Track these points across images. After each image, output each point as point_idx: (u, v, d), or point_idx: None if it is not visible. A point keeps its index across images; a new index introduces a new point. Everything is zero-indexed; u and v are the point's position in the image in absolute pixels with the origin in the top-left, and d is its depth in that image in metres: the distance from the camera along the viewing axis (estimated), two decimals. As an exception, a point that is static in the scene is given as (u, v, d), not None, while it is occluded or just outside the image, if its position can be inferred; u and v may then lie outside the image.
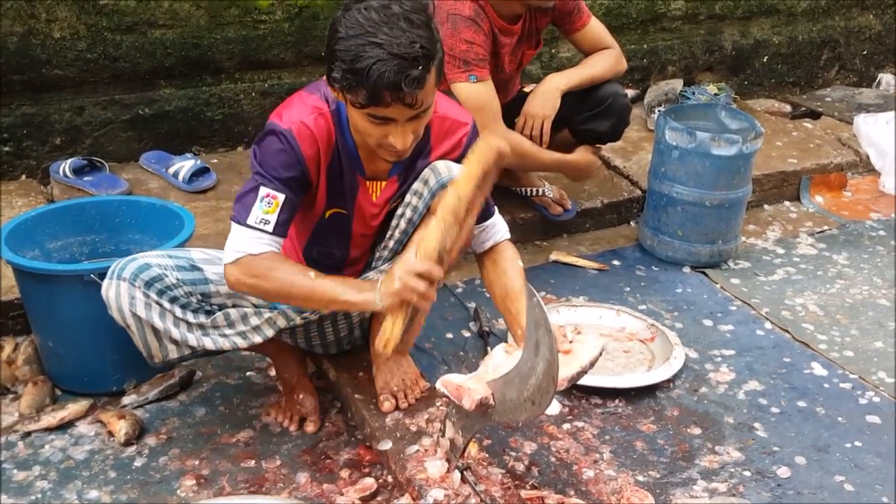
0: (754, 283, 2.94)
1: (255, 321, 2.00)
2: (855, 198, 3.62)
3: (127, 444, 2.11)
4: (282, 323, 2.00)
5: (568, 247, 3.14)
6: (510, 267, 2.00)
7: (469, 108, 2.52)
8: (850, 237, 3.29)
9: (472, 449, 1.98)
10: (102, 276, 1.95)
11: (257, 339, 2.01)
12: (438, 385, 1.84)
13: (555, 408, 2.21)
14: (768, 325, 2.69)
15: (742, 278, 2.97)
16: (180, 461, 2.08)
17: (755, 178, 3.20)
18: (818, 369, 2.48)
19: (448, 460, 1.93)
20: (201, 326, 1.97)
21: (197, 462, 2.08)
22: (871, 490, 2.03)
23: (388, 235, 2.04)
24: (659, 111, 3.48)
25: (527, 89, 2.89)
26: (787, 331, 2.66)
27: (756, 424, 2.24)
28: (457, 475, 1.90)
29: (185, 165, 3.08)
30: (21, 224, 2.32)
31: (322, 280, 1.81)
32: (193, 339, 1.96)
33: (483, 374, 1.82)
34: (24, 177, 3.15)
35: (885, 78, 4.65)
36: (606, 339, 2.53)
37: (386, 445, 2.03)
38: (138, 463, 2.07)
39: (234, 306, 2.00)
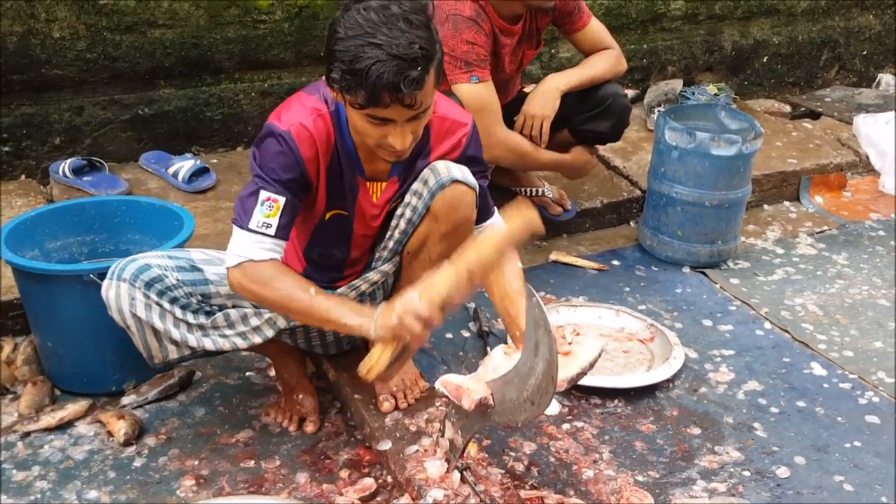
0: (754, 283, 2.94)
1: (255, 322, 2.00)
2: (854, 198, 3.62)
3: (126, 444, 2.11)
4: (282, 324, 2.00)
5: (567, 247, 3.14)
6: (509, 268, 2.00)
7: (471, 109, 2.52)
8: (850, 237, 3.29)
9: (472, 449, 1.98)
10: (102, 276, 1.95)
11: (257, 340, 2.01)
12: (438, 385, 1.84)
13: (554, 408, 2.21)
14: (768, 325, 2.69)
15: (742, 278, 2.97)
16: (180, 461, 2.08)
17: (755, 178, 3.20)
18: (818, 369, 2.48)
19: (447, 460, 1.93)
20: (201, 327, 1.97)
21: (196, 462, 2.08)
22: (870, 490, 2.03)
23: (387, 236, 2.04)
24: (659, 111, 3.48)
25: (527, 89, 2.89)
26: (786, 331, 2.67)
27: (755, 424, 2.24)
28: (456, 475, 1.90)
29: (184, 165, 3.08)
30: (20, 224, 2.32)
31: (321, 298, 1.81)
32: (193, 339, 1.96)
33: (482, 375, 1.82)
34: (23, 177, 3.15)
35: (885, 78, 4.65)
36: (606, 339, 2.54)
37: (385, 445, 2.03)
38: (138, 463, 2.07)
39: (234, 307, 2.00)
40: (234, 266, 1.82)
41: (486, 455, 2.01)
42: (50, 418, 2.17)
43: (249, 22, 3.27)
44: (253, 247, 1.80)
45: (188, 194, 3.04)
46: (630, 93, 3.84)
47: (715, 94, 3.95)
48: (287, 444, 2.14)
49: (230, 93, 3.35)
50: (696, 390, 2.37)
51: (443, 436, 1.95)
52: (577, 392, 2.28)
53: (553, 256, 3.04)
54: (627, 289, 2.88)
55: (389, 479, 2.02)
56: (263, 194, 1.80)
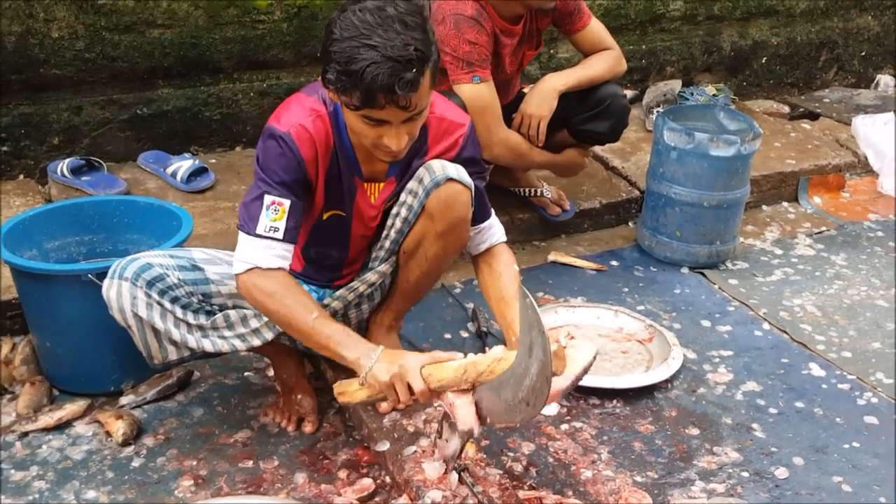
0: (752, 284, 2.94)
1: (254, 324, 2.00)
2: (853, 199, 3.62)
3: (125, 444, 2.11)
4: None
5: (566, 247, 3.14)
6: (505, 271, 2.00)
7: (472, 109, 2.54)
8: (849, 238, 3.29)
9: (470, 450, 1.98)
10: (100, 276, 1.95)
11: (256, 343, 2.01)
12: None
13: (553, 408, 2.21)
14: (766, 326, 2.69)
15: (740, 279, 2.97)
16: (178, 461, 2.08)
17: (753, 178, 3.20)
18: (816, 370, 2.48)
19: (446, 461, 1.93)
20: (201, 328, 1.96)
21: (195, 462, 2.07)
22: (868, 491, 2.03)
23: (383, 235, 2.04)
24: (657, 112, 3.49)
25: (526, 90, 2.89)
26: (785, 331, 2.67)
27: (754, 425, 2.24)
28: (454, 476, 1.90)
29: (183, 165, 3.08)
30: (19, 224, 2.31)
31: (322, 324, 1.80)
32: (193, 340, 1.96)
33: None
34: (21, 176, 3.14)
35: (884, 79, 4.65)
36: (601, 341, 2.54)
37: (384, 446, 2.03)
38: (136, 463, 2.07)
39: (234, 307, 2.00)
40: (243, 273, 1.81)
41: (485, 455, 2.02)
42: (48, 418, 2.17)
43: (248, 22, 3.27)
44: (261, 252, 1.80)
45: (187, 194, 3.04)
46: (629, 93, 3.84)
47: (714, 95, 3.95)
48: (285, 445, 2.14)
49: (229, 93, 3.35)
50: (695, 391, 2.37)
51: (441, 436, 1.94)
52: (576, 392, 2.28)
53: (551, 257, 3.04)
54: (626, 289, 2.88)
55: (388, 479, 2.02)
56: (268, 198, 1.80)
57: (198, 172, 3.09)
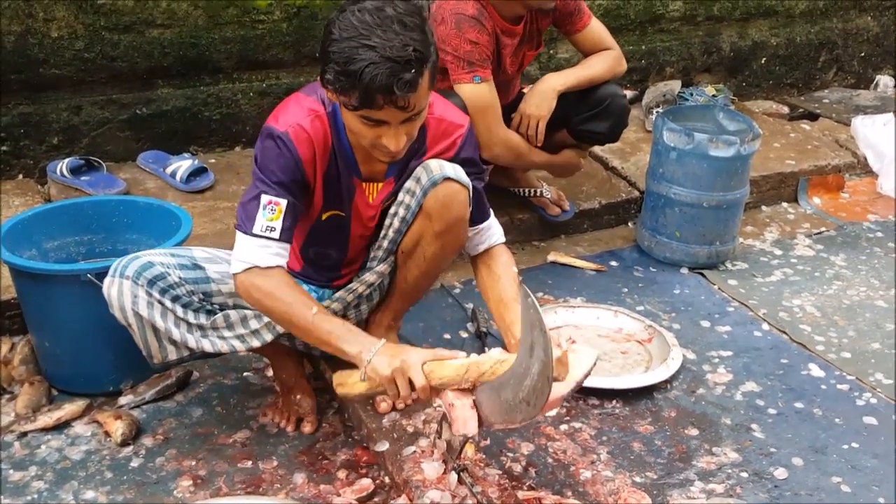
0: (752, 285, 2.94)
1: (254, 324, 2.00)
2: (852, 199, 3.62)
3: (123, 444, 2.11)
4: (280, 328, 2.00)
5: (566, 247, 3.14)
6: (504, 273, 2.00)
7: (472, 109, 2.54)
8: (848, 239, 3.29)
9: (469, 450, 1.98)
10: (99, 276, 1.95)
11: (255, 344, 2.01)
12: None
13: (552, 409, 2.21)
14: (766, 327, 2.69)
15: (740, 279, 2.97)
16: (177, 462, 2.07)
17: (753, 179, 3.20)
18: (815, 370, 2.48)
19: (445, 461, 1.93)
20: (201, 327, 1.96)
21: (194, 462, 2.07)
22: (867, 491, 2.03)
23: (381, 235, 2.04)
24: (657, 112, 3.49)
25: (526, 90, 2.89)
26: (784, 332, 2.67)
27: (753, 425, 2.24)
28: (454, 476, 1.90)
29: (182, 165, 3.08)
30: (18, 224, 2.31)
31: (322, 320, 1.80)
32: (193, 340, 1.96)
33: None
34: (21, 176, 3.14)
35: (883, 80, 4.65)
36: (601, 341, 2.54)
37: (383, 446, 2.03)
38: (135, 463, 2.07)
39: (235, 306, 2.00)
40: (241, 272, 1.81)
41: (484, 456, 2.01)
42: (47, 418, 2.17)
43: (248, 22, 3.27)
44: (259, 252, 1.80)
45: (186, 194, 3.04)
46: (628, 93, 3.84)
47: (713, 96, 3.95)
48: (285, 445, 2.14)
49: (228, 93, 3.35)
50: (694, 391, 2.37)
51: (440, 437, 1.94)
52: (575, 393, 2.27)
53: (551, 257, 3.04)
54: (625, 290, 2.88)
55: (387, 479, 2.02)
56: (265, 198, 1.80)
57: (197, 172, 3.09)
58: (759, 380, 2.43)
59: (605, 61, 2.85)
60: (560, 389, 1.69)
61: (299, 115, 1.84)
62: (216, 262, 1.99)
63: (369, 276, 2.08)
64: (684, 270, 3.01)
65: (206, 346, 1.97)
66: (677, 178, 2.92)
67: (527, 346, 1.62)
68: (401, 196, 1.97)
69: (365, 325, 2.21)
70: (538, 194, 3.09)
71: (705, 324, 2.70)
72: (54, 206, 2.46)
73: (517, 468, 2.03)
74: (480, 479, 1.93)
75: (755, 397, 2.35)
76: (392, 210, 1.99)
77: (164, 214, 2.41)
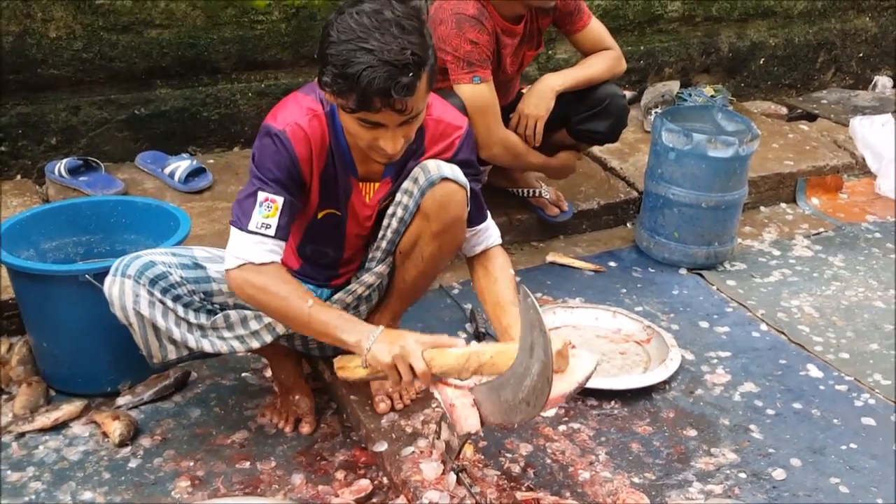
0: (750, 285, 2.94)
1: (254, 325, 1.99)
2: (851, 200, 3.62)
3: (121, 445, 2.11)
4: (280, 330, 2.00)
5: (564, 248, 3.13)
6: (501, 276, 2.00)
7: (472, 109, 2.54)
8: (846, 239, 3.29)
9: (468, 450, 1.98)
10: (98, 276, 1.95)
11: (255, 345, 2.01)
12: (432, 388, 1.84)
13: (551, 410, 2.21)
14: (764, 327, 2.69)
15: (738, 280, 2.97)
16: (175, 462, 2.07)
17: (751, 179, 3.20)
18: (814, 371, 2.48)
19: (443, 462, 1.93)
20: (201, 327, 1.96)
21: (192, 463, 2.07)
22: (866, 492, 2.03)
23: (379, 235, 2.04)
24: (656, 113, 3.49)
25: (525, 91, 2.89)
26: (782, 332, 2.67)
27: (752, 426, 2.24)
28: (452, 477, 1.90)
29: (180, 166, 3.08)
30: (16, 224, 2.31)
31: (319, 310, 1.80)
32: (192, 340, 1.95)
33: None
34: (19, 177, 3.14)
35: (881, 80, 4.65)
36: (599, 342, 2.54)
37: (381, 447, 2.03)
38: (133, 464, 2.07)
39: (235, 306, 2.00)
40: (235, 268, 1.81)
41: (483, 456, 2.01)
42: (45, 419, 2.17)
43: (246, 22, 3.27)
44: (254, 248, 1.80)
45: (184, 194, 3.03)
46: (627, 94, 3.84)
47: (712, 96, 3.95)
48: (283, 446, 2.14)
49: (227, 93, 3.35)
50: (693, 392, 2.37)
51: (439, 437, 1.94)
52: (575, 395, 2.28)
53: (550, 258, 3.04)
54: (624, 290, 2.88)
55: (385, 480, 2.01)
56: (261, 195, 1.80)
57: (196, 173, 3.09)
58: (758, 380, 2.43)
59: (604, 61, 2.85)
60: (560, 389, 1.69)
61: (297, 114, 1.84)
62: (216, 261, 1.99)
63: (368, 277, 2.08)
64: (683, 271, 3.01)
65: (206, 346, 1.97)
66: (676, 179, 2.92)
67: (526, 346, 1.62)
68: (398, 196, 1.97)
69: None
70: (537, 195, 3.09)
71: (704, 324, 2.70)
72: (52, 207, 2.45)
73: (516, 469, 2.02)
74: (479, 479, 1.93)
75: (753, 398, 2.35)
76: (390, 210, 1.99)
77: (162, 215, 2.41)
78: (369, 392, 2.16)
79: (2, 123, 3.05)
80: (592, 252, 3.13)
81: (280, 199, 1.81)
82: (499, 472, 1.98)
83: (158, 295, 1.89)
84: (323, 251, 2.07)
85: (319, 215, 1.97)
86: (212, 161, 3.29)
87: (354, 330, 1.78)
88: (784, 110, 4.29)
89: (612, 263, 3.05)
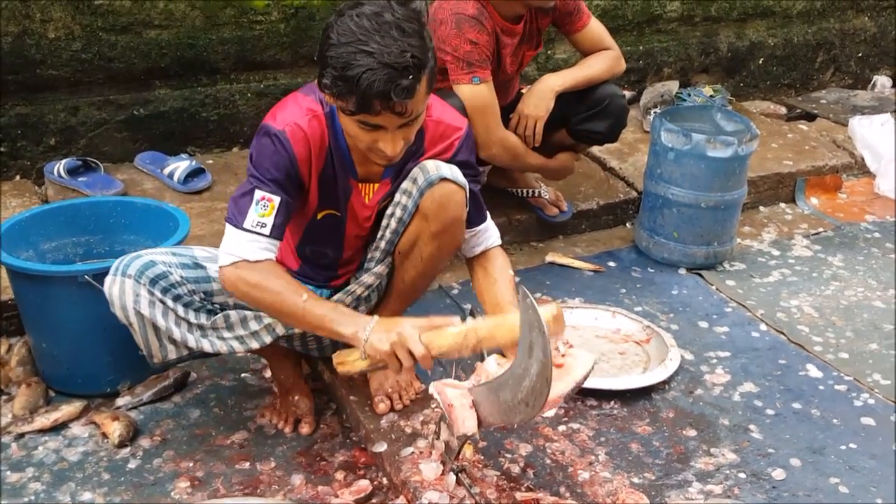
0: (750, 285, 2.94)
1: (254, 326, 1.99)
2: (850, 200, 3.62)
3: (121, 445, 2.11)
4: (280, 330, 2.00)
5: (564, 248, 3.13)
6: (500, 277, 2.00)
7: (471, 109, 2.55)
8: (846, 239, 3.29)
9: (468, 451, 1.98)
10: (97, 277, 1.94)
11: (254, 345, 2.01)
12: (431, 389, 1.84)
13: (550, 410, 2.21)
14: (763, 327, 2.69)
15: (737, 280, 2.97)
16: (174, 463, 2.07)
17: (750, 179, 3.20)
18: (813, 371, 2.48)
19: (443, 462, 1.92)
20: (201, 327, 1.96)
21: (191, 464, 2.07)
22: (865, 492, 2.03)
23: (378, 236, 2.04)
24: (655, 113, 3.49)
25: (524, 91, 2.89)
26: (782, 332, 2.67)
27: (751, 426, 2.24)
28: (452, 477, 1.89)
29: (180, 166, 3.08)
30: (15, 225, 2.31)
31: (314, 304, 1.80)
32: (192, 340, 1.95)
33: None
34: (18, 177, 3.14)
35: (880, 80, 4.65)
36: (599, 342, 2.54)
37: (381, 447, 2.03)
38: (132, 465, 2.07)
39: (235, 306, 2.00)
40: (229, 265, 1.81)
41: (482, 457, 2.01)
42: (44, 419, 2.16)
43: (245, 22, 3.27)
44: (248, 246, 1.80)
45: (183, 195, 3.03)
46: (626, 94, 3.84)
47: (711, 96, 3.95)
48: (282, 446, 2.14)
49: (226, 93, 3.34)
50: (692, 392, 2.37)
51: (438, 438, 1.94)
52: (574, 395, 2.27)
53: (549, 258, 3.04)
54: (623, 290, 2.88)
55: (385, 480, 2.01)
56: (258, 193, 1.80)
57: (195, 173, 3.09)
58: (757, 380, 2.43)
59: (603, 61, 2.85)
60: (559, 390, 1.69)
61: (297, 114, 1.84)
62: (216, 261, 1.98)
63: (367, 278, 2.08)
64: (682, 271, 3.01)
65: (206, 346, 1.97)
66: (675, 179, 2.92)
67: (525, 346, 1.62)
68: (397, 197, 1.97)
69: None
70: (536, 195, 3.09)
71: (703, 324, 2.70)
72: (51, 207, 2.45)
73: (515, 469, 2.02)
74: (479, 479, 1.93)
75: (753, 398, 2.35)
76: (389, 211, 1.99)
77: (161, 215, 2.41)
78: (369, 392, 2.16)
79: (1, 124, 3.04)
80: (592, 252, 3.13)
81: (277, 199, 1.81)
82: (498, 473, 1.98)
83: (159, 294, 1.89)
84: (322, 252, 2.07)
85: (319, 216, 1.97)
86: (211, 161, 3.28)
87: (350, 322, 1.78)
88: (783, 110, 4.29)
89: (612, 263, 3.05)
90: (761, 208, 3.52)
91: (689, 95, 3.93)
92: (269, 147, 1.81)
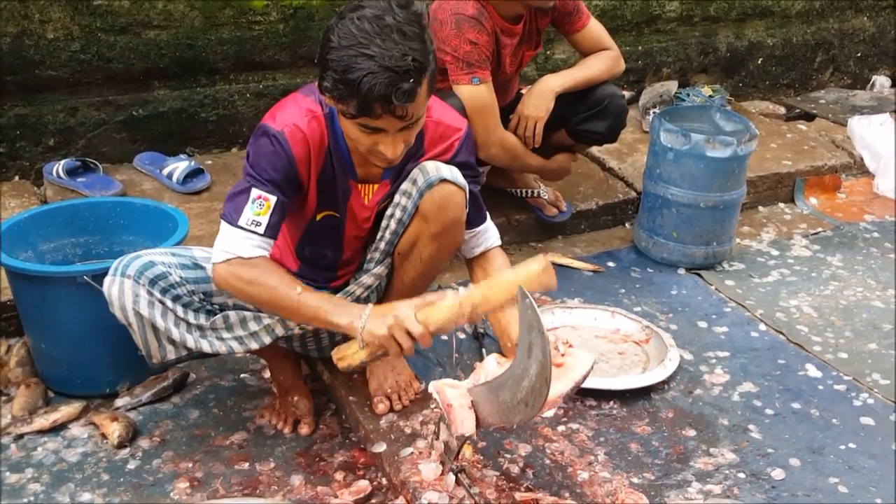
0: (749, 285, 2.94)
1: (253, 326, 1.99)
2: (849, 200, 3.62)
3: (120, 446, 2.11)
4: (279, 331, 2.00)
5: (563, 248, 3.13)
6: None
7: (471, 110, 2.55)
8: (845, 239, 3.30)
9: (467, 451, 1.98)
10: (96, 277, 1.94)
11: (253, 346, 2.01)
12: (430, 389, 1.84)
13: (549, 410, 2.21)
14: (763, 327, 2.69)
15: (737, 280, 2.97)
16: (174, 463, 2.07)
17: (749, 179, 3.20)
18: (812, 371, 2.48)
19: (442, 462, 1.92)
20: (200, 328, 1.96)
21: (190, 464, 2.07)
22: (865, 492, 2.03)
23: (378, 237, 2.04)
24: (654, 113, 3.49)
25: (524, 91, 2.89)
26: (781, 332, 2.67)
27: (750, 426, 2.24)
28: (451, 477, 1.89)
29: (179, 167, 3.08)
30: (14, 225, 2.31)
31: (308, 296, 1.81)
32: (191, 340, 1.95)
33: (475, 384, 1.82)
34: (17, 178, 3.14)
35: (879, 80, 4.65)
36: (598, 342, 2.54)
37: (380, 448, 2.03)
38: (131, 465, 2.07)
39: (234, 307, 2.00)
40: (222, 262, 1.81)
41: (481, 457, 2.01)
42: (43, 420, 2.16)
43: (244, 23, 3.27)
44: (242, 244, 1.81)
45: (182, 195, 3.03)
46: (625, 94, 3.84)
47: (710, 96, 3.95)
48: (282, 447, 2.14)
49: (225, 94, 3.34)
50: (692, 392, 2.37)
51: (437, 438, 1.94)
52: (573, 395, 2.27)
53: (548, 258, 3.03)
54: (623, 290, 2.88)
55: (384, 481, 2.01)
56: (255, 192, 1.81)
57: (194, 174, 3.09)
58: (757, 380, 2.43)
59: (603, 62, 2.85)
60: (558, 390, 1.69)
61: (296, 115, 1.84)
62: None
63: (366, 279, 2.08)
64: (681, 271, 3.01)
65: (205, 346, 1.97)
66: (674, 179, 2.92)
67: (524, 347, 1.62)
68: (397, 198, 1.97)
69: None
70: (535, 195, 3.09)
71: (702, 324, 2.70)
72: (50, 208, 2.45)
73: (515, 469, 2.02)
74: (478, 480, 1.93)
75: (752, 398, 2.35)
76: (388, 212, 1.99)
77: (160, 216, 2.41)
78: (368, 393, 2.16)
79: (0, 125, 3.04)
80: (591, 252, 3.13)
81: (273, 199, 1.81)
82: (498, 473, 1.98)
83: (158, 295, 1.89)
84: (321, 253, 2.07)
85: (318, 217, 1.97)
86: (210, 162, 3.28)
87: (345, 312, 1.79)
88: (782, 110, 4.29)
89: (611, 264, 3.05)
90: (760, 208, 3.52)
91: (688, 95, 3.93)
92: (268, 147, 1.81)
